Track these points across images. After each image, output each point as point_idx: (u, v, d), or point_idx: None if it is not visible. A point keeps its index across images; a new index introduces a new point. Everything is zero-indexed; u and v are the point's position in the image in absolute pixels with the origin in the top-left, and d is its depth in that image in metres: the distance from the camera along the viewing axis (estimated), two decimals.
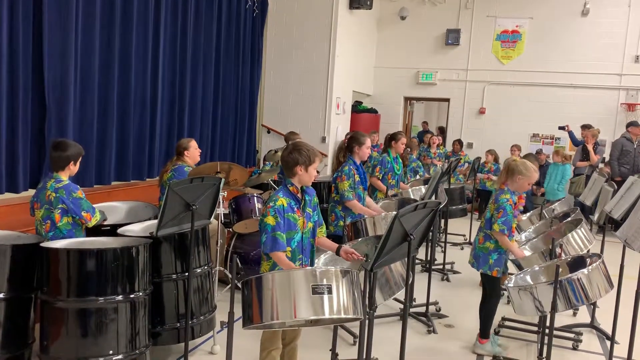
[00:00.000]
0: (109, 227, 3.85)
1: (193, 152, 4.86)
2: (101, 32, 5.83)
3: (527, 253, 4.56)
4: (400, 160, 6.05)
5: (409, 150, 8.25)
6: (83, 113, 5.71)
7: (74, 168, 3.51)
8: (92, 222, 3.52)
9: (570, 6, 10.59)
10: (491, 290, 4.13)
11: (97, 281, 3.09)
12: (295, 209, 3.02)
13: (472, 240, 7.48)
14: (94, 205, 4.11)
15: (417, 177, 8.01)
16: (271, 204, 2.95)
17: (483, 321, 4.17)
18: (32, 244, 3.25)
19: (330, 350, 3.50)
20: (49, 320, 3.14)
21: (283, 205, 2.95)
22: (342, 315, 2.44)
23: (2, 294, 3.07)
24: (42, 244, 3.19)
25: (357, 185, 4.74)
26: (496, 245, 4.00)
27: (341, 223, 4.59)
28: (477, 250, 4.10)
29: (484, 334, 4.19)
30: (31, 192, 5.19)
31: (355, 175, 4.72)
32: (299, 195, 3.07)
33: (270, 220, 2.92)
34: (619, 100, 10.44)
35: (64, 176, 3.49)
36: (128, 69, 6.26)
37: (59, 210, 3.41)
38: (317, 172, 3.16)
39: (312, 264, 3.16)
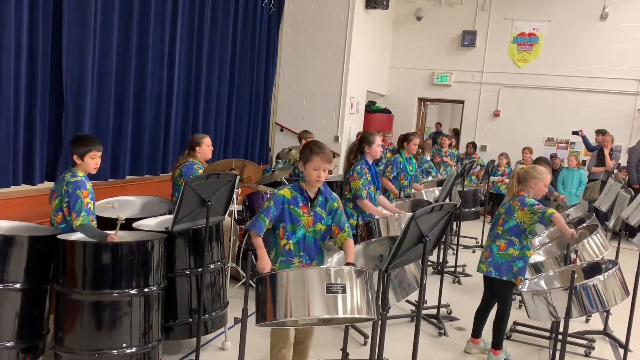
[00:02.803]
0: (124, 221, 3.88)
1: (205, 149, 4.82)
2: (119, 28, 5.88)
3: (541, 258, 4.53)
4: (414, 161, 6.03)
5: (421, 151, 8.22)
6: (99, 108, 5.76)
7: (80, 162, 3.44)
8: (76, 223, 3.36)
9: (589, 10, 10.48)
10: (505, 298, 3.98)
11: (112, 274, 3.12)
12: (301, 204, 3.04)
13: (483, 243, 7.43)
14: (110, 200, 4.16)
15: (430, 178, 7.99)
16: (275, 192, 3.11)
17: (498, 332, 4.00)
18: (48, 235, 3.28)
19: (341, 349, 3.50)
20: (64, 311, 3.17)
21: (285, 196, 3.05)
22: (356, 315, 2.44)
23: (19, 284, 3.10)
24: (58, 236, 3.22)
25: (369, 185, 4.73)
26: (521, 252, 3.85)
27: (352, 221, 4.57)
28: (498, 258, 3.89)
29: (497, 344, 4.02)
30: (47, 184, 5.26)
31: (367, 175, 4.72)
32: (310, 192, 3.08)
33: (265, 204, 3.07)
34: (636, 106, 10.33)
35: (79, 170, 3.47)
36: (145, 65, 6.31)
37: (67, 204, 3.40)
38: (330, 171, 3.15)
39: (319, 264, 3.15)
